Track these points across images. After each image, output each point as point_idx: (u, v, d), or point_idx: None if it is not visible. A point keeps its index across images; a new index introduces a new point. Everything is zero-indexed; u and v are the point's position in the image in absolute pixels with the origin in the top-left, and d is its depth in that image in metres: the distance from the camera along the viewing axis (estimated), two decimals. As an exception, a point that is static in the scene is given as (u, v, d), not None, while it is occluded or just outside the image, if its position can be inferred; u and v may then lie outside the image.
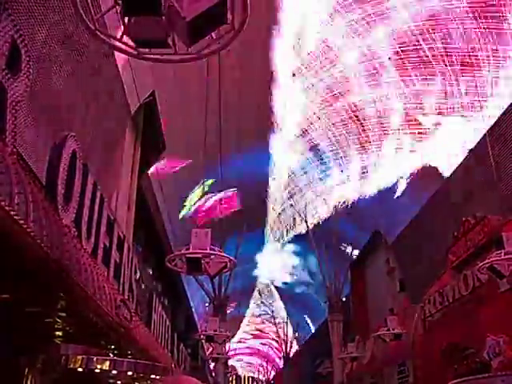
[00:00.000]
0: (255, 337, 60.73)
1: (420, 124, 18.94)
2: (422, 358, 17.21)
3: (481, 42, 15.60)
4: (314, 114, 23.85)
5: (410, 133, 20.18)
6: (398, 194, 22.51)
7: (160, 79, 15.73)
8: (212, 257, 8.83)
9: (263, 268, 40.74)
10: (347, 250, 29.17)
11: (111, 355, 8.83)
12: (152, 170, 17.98)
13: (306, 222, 29.53)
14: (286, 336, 48.18)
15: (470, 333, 13.77)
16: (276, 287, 45.79)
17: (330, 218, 28.28)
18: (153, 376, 9.59)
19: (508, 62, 14.90)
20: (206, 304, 33.11)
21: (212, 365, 33.72)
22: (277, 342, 51.43)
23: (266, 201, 30.89)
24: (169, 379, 6.62)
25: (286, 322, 47.57)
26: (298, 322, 47.01)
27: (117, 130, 13.48)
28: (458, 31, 15.77)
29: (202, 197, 25.20)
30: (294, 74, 22.13)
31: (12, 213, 3.98)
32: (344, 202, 27.23)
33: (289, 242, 36.19)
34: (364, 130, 22.95)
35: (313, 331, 45.69)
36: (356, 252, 28.98)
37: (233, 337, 38.38)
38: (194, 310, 33.95)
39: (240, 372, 75.63)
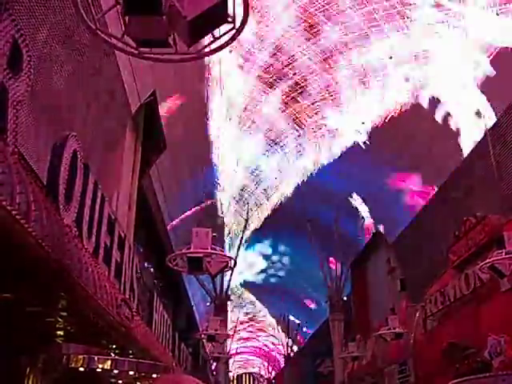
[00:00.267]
0: (256, 336, 60.76)
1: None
2: (422, 357, 17.21)
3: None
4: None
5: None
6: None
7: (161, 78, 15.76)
8: (213, 256, 8.84)
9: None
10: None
11: (112, 355, 8.83)
12: (153, 169, 17.99)
13: (310, 221, 29.40)
14: (287, 335, 48.20)
15: (471, 332, 13.77)
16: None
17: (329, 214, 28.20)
18: (154, 375, 9.60)
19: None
20: (207, 303, 33.13)
21: (213, 364, 33.73)
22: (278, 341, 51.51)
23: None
24: (169, 377, 6.62)
25: (288, 321, 47.54)
26: (299, 321, 47.03)
27: (117, 129, 13.48)
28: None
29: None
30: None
31: (13, 212, 3.98)
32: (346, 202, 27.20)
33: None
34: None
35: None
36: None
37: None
38: (194, 309, 33.97)
39: (241, 371, 75.75)
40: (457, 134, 17.07)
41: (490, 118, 14.81)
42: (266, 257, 38.78)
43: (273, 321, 52.73)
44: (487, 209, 14.30)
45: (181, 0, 4.14)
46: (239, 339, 54.36)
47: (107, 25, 6.12)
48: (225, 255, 9.17)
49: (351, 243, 27.78)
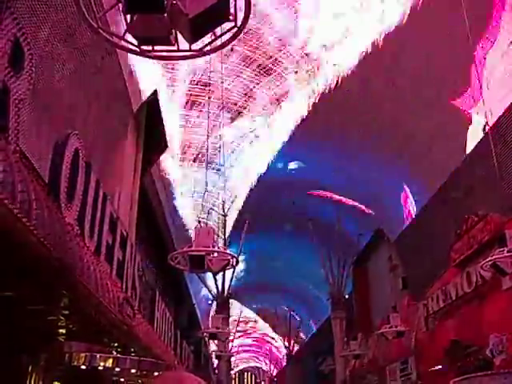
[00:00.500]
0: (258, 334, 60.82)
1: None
2: (424, 355, 17.21)
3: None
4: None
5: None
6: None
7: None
8: (215, 254, 8.84)
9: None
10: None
11: (114, 353, 8.85)
12: (154, 167, 18.01)
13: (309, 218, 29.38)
14: (289, 333, 48.23)
15: (473, 330, 13.76)
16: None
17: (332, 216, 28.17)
18: (156, 373, 9.62)
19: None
20: (209, 301, 33.16)
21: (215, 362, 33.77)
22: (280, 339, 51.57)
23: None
24: (170, 375, 6.63)
25: (290, 320, 47.56)
26: (300, 319, 47.04)
27: (119, 128, 13.50)
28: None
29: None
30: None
31: (15, 211, 3.98)
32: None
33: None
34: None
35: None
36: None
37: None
38: (196, 307, 33.99)
39: (243, 369, 75.87)
40: (457, 132, 17.04)
41: (490, 118, 14.76)
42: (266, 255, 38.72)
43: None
44: (488, 207, 14.29)
45: (182, -2, 4.14)
46: (241, 336, 54.43)
47: (109, 23, 6.13)
48: (227, 253, 9.16)
49: (352, 241, 27.77)
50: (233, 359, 46.80)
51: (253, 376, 78.62)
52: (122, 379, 10.53)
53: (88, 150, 6.50)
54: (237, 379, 73.02)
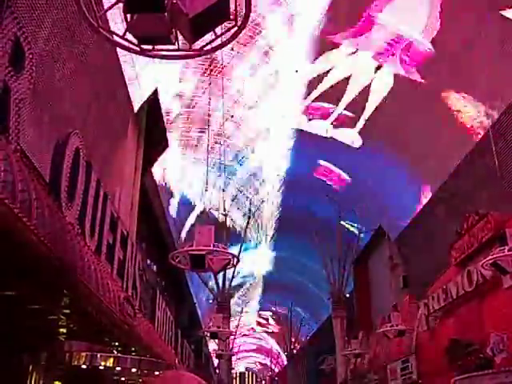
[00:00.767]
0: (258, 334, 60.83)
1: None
2: (425, 354, 17.21)
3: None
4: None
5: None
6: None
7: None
8: (215, 253, 8.83)
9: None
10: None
11: (115, 352, 8.86)
12: (155, 166, 18.01)
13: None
14: (290, 332, 48.20)
15: (474, 329, 13.76)
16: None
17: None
18: (156, 373, 9.63)
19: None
20: (210, 300, 33.14)
21: (216, 361, 33.77)
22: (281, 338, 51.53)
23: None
24: (169, 374, 6.66)
25: (290, 319, 47.55)
26: (302, 317, 47.01)
27: (120, 127, 13.50)
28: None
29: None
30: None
31: (15, 210, 3.98)
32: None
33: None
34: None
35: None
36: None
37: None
38: (197, 306, 34.00)
39: (243, 369, 75.92)
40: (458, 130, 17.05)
41: (491, 116, 14.76)
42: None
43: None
44: (489, 206, 14.29)
45: (183, -3, 4.14)
46: (242, 335, 54.47)
47: (109, 22, 6.13)
48: (227, 252, 9.16)
49: (354, 240, 27.77)
50: (234, 358, 46.77)
51: (254, 375, 78.70)
52: (123, 378, 10.53)
53: (89, 150, 6.50)
54: (238, 378, 73.03)
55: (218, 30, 4.53)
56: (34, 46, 5.08)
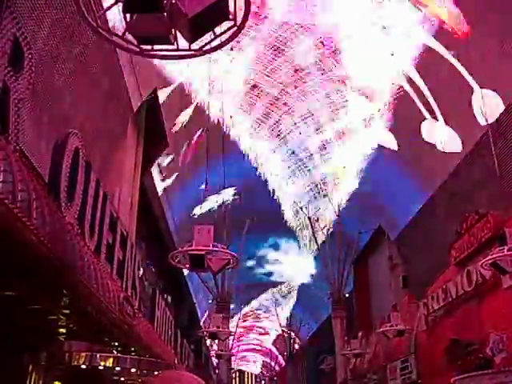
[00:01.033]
0: (259, 333, 60.81)
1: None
2: (425, 354, 17.21)
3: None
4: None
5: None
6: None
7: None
8: (214, 253, 8.84)
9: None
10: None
11: (115, 352, 8.86)
12: (154, 166, 18.00)
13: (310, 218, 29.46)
14: (290, 332, 48.21)
15: (474, 329, 13.77)
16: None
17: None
18: (156, 373, 9.62)
19: None
20: (209, 300, 33.13)
21: (215, 361, 33.75)
22: (281, 336, 51.56)
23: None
24: (167, 374, 6.63)
25: (290, 318, 47.56)
26: (301, 317, 47.01)
27: (119, 127, 13.50)
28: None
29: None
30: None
31: (15, 210, 3.98)
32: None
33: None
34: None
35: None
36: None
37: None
38: (197, 306, 34.00)
39: (243, 369, 75.86)
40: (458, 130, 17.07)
41: (491, 116, 14.76)
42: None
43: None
44: (489, 206, 14.30)
45: (182, -3, 4.14)
46: (241, 335, 54.48)
47: (108, 22, 6.13)
48: (227, 252, 9.16)
49: (353, 240, 27.79)
50: (233, 358, 46.80)
51: (253, 375, 78.65)
52: (123, 378, 10.53)
53: (88, 149, 6.49)
54: (237, 378, 73.00)
55: (218, 30, 4.54)
56: (33, 46, 5.07)
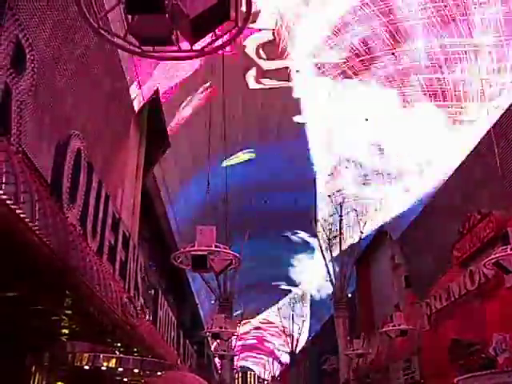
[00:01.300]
0: (261, 333, 60.81)
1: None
2: (427, 354, 17.20)
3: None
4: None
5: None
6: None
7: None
8: (217, 254, 8.84)
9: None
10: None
11: (117, 353, 8.85)
12: (157, 167, 17.99)
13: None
14: (293, 333, 48.21)
15: (476, 329, 13.76)
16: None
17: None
18: (159, 373, 9.61)
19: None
20: (212, 301, 33.13)
21: (218, 362, 33.74)
22: (283, 337, 51.52)
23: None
24: (170, 375, 6.64)
25: (293, 318, 47.57)
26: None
27: (121, 127, 13.50)
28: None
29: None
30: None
31: (17, 211, 3.99)
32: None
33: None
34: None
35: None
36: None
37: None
38: (199, 306, 33.98)
39: (246, 369, 75.84)
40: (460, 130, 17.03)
41: (493, 115, 14.73)
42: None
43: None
44: (491, 205, 14.29)
45: (183, -2, 4.15)
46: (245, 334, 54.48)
47: (110, 24, 6.14)
48: (229, 253, 9.15)
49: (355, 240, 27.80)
50: (236, 358, 46.80)
51: (256, 375, 78.61)
52: (126, 379, 10.53)
53: (90, 151, 6.50)
54: (240, 379, 72.97)
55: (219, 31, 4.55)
56: (35, 47, 5.08)
